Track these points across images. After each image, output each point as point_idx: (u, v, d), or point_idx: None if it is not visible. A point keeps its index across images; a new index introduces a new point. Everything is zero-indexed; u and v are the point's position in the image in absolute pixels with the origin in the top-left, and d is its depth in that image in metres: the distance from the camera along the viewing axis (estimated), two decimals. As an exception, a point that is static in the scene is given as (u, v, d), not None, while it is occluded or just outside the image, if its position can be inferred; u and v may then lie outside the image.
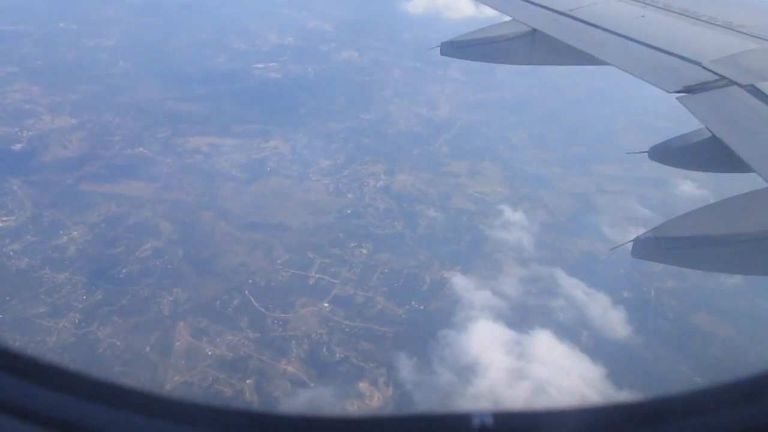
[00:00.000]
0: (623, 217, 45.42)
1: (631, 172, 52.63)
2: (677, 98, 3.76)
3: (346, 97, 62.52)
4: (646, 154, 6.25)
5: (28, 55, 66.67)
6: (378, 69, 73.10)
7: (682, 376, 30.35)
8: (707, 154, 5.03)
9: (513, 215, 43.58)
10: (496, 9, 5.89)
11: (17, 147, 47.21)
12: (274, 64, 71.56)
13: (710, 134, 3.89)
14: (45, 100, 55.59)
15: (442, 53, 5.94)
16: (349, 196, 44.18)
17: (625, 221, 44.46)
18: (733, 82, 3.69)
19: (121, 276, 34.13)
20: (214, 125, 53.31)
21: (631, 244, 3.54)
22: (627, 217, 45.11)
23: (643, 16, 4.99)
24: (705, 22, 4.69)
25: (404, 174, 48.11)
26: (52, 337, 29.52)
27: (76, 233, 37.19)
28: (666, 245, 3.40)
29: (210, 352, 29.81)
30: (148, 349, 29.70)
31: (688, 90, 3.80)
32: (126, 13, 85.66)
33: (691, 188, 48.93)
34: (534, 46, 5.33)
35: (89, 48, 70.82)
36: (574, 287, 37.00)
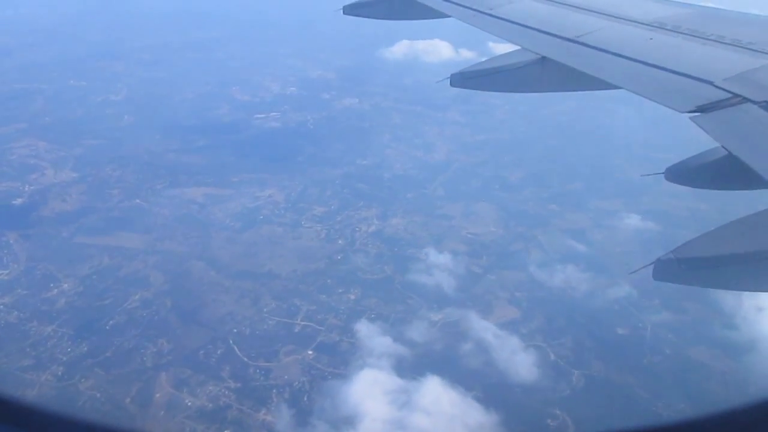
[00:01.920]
0: (620, 251, 44.90)
1: (630, 207, 52.36)
2: (690, 118, 3.78)
3: (343, 144, 63.30)
4: (663, 175, 6.26)
5: (37, 112, 68.82)
6: (377, 115, 74.15)
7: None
8: (724, 172, 5.08)
9: (502, 255, 43.34)
10: (503, 39, 6.09)
11: (18, 201, 48.34)
12: (275, 113, 72.96)
13: (726, 153, 3.84)
14: (49, 155, 57.11)
15: (453, 85, 6.11)
16: (340, 242, 44.31)
17: (623, 255, 44.03)
18: (746, 99, 3.74)
19: (107, 327, 34.35)
20: (211, 176, 54.17)
21: (652, 266, 3.56)
22: (624, 252, 44.57)
23: (651, 39, 5.09)
24: (713, 41, 4.75)
25: (397, 218, 48.23)
26: (33, 390, 29.59)
27: (66, 286, 37.68)
28: (688, 266, 3.43)
29: (189, 403, 29.66)
30: (128, 401, 29.66)
31: (701, 109, 3.82)
32: (135, 68, 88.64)
33: (687, 218, 48.44)
34: (544, 74, 5.46)
35: (97, 103, 72.86)
36: (565, 323, 36.54)
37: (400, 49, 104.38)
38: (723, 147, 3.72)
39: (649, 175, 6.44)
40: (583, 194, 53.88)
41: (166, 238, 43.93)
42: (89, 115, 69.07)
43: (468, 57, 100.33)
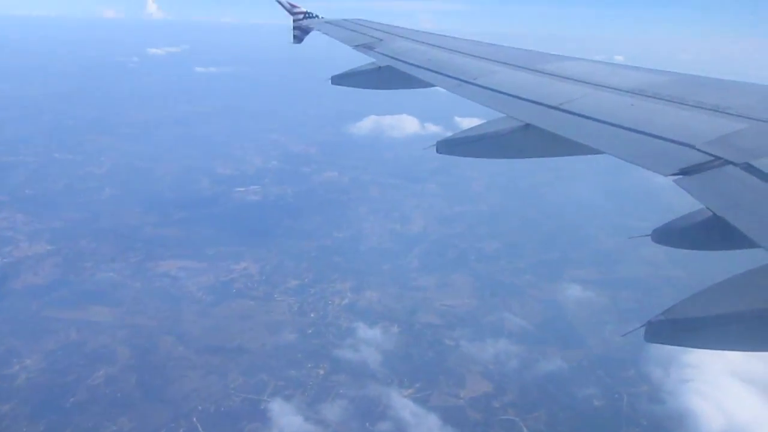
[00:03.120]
0: (597, 321, 44.81)
1: (606, 275, 52.65)
2: (674, 181, 3.85)
3: (321, 217, 63.91)
4: (649, 237, 6.43)
5: (19, 185, 69.38)
6: (356, 188, 75.33)
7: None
8: (710, 233, 5.22)
9: (478, 326, 43.13)
10: (488, 107, 6.30)
11: (-11, 275, 47.96)
12: (255, 187, 73.94)
13: (710, 214, 4.07)
14: (26, 227, 57.17)
15: (438, 151, 6.23)
16: (312, 315, 44.04)
17: (599, 324, 43.99)
18: (727, 162, 3.87)
19: (67, 405, 33.41)
20: (187, 249, 54.21)
21: (644, 329, 3.62)
22: (600, 321, 44.50)
23: (632, 105, 5.25)
24: (692, 106, 4.96)
25: (371, 290, 48.15)
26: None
27: (29, 361, 36.88)
28: (682, 327, 3.44)
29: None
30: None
31: (684, 172, 3.92)
32: (120, 142, 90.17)
33: (663, 285, 48.61)
34: (528, 140, 5.62)
35: (79, 176, 73.64)
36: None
37: (367, 124, 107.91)
38: (708, 208, 3.82)
39: (636, 237, 6.64)
40: (559, 264, 54.26)
41: (136, 312, 43.47)
42: (71, 188, 69.63)
43: (434, 131, 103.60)
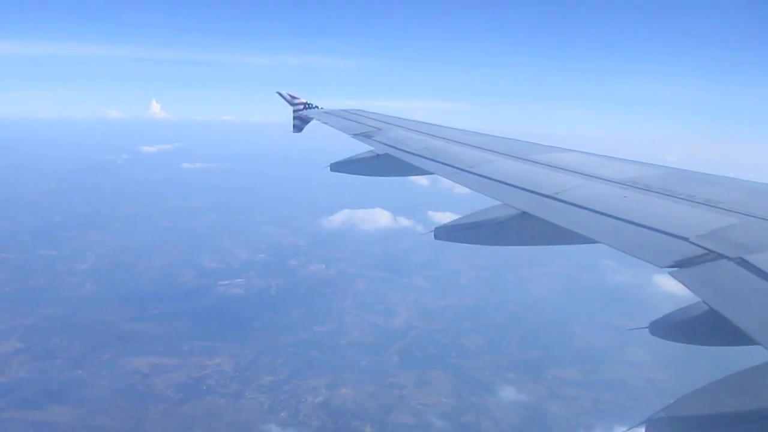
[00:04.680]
0: (577, 424, 43.07)
1: (588, 376, 51.17)
2: (669, 273, 3.82)
3: (303, 310, 62.96)
4: (647, 330, 6.21)
5: (-1, 282, 68.60)
6: (341, 280, 74.69)
7: None
8: (708, 327, 5.08)
9: (453, 428, 41.33)
10: (484, 194, 6.29)
11: (-47, 375, 46.52)
12: (239, 280, 73.32)
13: (708, 308, 3.86)
14: (0, 325, 56.04)
15: (437, 237, 6.22)
16: (283, 414, 42.42)
17: (579, 428, 42.26)
18: (721, 256, 3.86)
19: None
20: (161, 344, 53.01)
21: (644, 426, 3.36)
22: (581, 425, 42.75)
23: (626, 197, 5.31)
24: (684, 199, 5.01)
25: (347, 387, 46.64)
26: None
27: (-21, 467, 35.13)
28: (682, 425, 3.31)
29: None
30: None
31: (679, 264, 3.90)
32: (107, 237, 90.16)
33: (644, 387, 47.11)
34: (524, 227, 5.63)
35: (62, 272, 73.11)
36: None
37: (339, 217, 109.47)
38: (704, 302, 3.67)
39: (633, 329, 6.48)
40: (542, 362, 52.85)
41: (99, 411, 41.86)
42: (51, 284, 68.92)
43: (406, 225, 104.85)
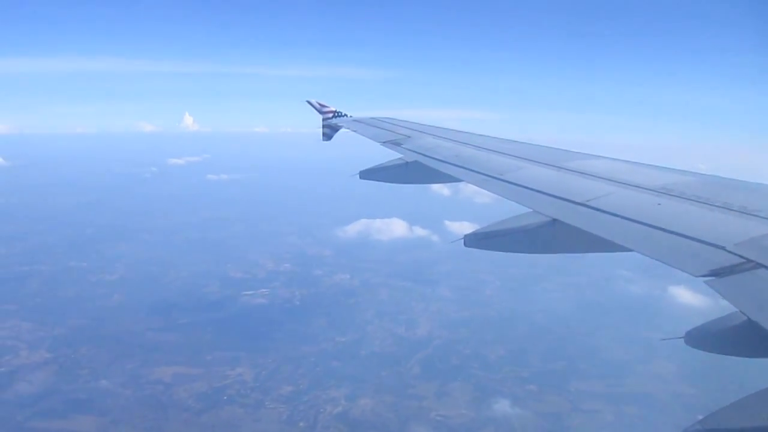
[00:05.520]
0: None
1: (612, 388, 50.06)
2: (705, 282, 3.77)
3: (326, 320, 63.09)
4: (682, 340, 6.22)
5: (31, 294, 70.20)
6: (365, 290, 74.60)
7: None
8: (745, 338, 5.03)
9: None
10: (514, 201, 6.37)
11: (-17, 385, 47.72)
12: (264, 290, 73.86)
13: (745, 318, 3.87)
14: (29, 335, 57.39)
15: (467, 245, 6.30)
16: (301, 424, 42.45)
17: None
18: (760, 265, 3.80)
19: None
20: (184, 354, 53.60)
21: None
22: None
23: (659, 204, 5.25)
24: (720, 207, 4.91)
25: (366, 398, 46.47)
26: None
27: (3, 475, 35.92)
28: None
29: None
30: None
31: (715, 273, 3.82)
32: (136, 249, 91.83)
33: (670, 402, 45.89)
34: (555, 235, 5.64)
35: (91, 283, 74.62)
36: None
37: (362, 227, 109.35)
38: (741, 312, 3.61)
39: (668, 339, 6.40)
40: (565, 374, 51.90)
41: (121, 421, 42.44)
42: (80, 295, 70.32)
43: (422, 234, 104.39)
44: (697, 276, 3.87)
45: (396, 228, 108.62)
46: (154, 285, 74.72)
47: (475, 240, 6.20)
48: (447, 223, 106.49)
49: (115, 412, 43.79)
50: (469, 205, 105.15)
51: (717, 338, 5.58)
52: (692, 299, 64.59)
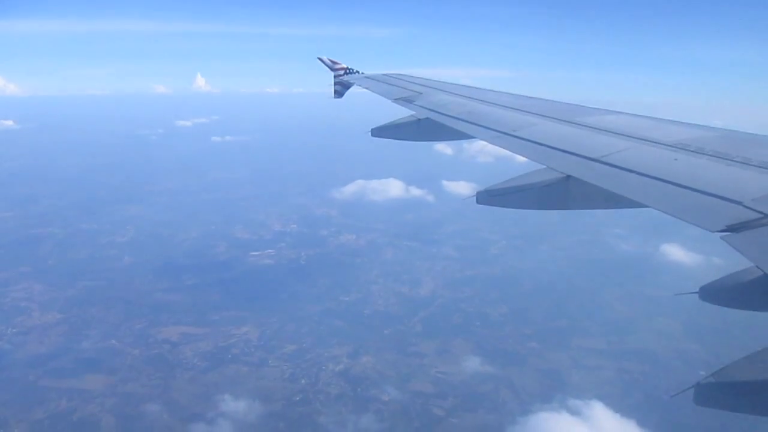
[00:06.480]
0: (595, 394, 42.63)
1: (614, 345, 50.47)
2: (721, 237, 3.76)
3: (330, 280, 63.73)
4: (697, 295, 6.32)
5: (44, 256, 71.54)
6: (370, 250, 75.14)
7: None
8: (762, 293, 5.14)
9: (471, 396, 41.59)
10: (528, 158, 6.40)
11: (-4, 345, 49.20)
12: (270, 251, 74.64)
13: (761, 273, 3.89)
14: (41, 297, 58.72)
15: (479, 202, 6.29)
16: (303, 381, 43.39)
17: (594, 398, 41.82)
18: None
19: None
20: (192, 314, 54.65)
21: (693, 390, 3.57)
22: (598, 396, 42.29)
23: (676, 159, 5.18)
24: (739, 162, 4.85)
25: (368, 356, 47.30)
26: None
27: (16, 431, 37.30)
28: (732, 390, 3.39)
29: None
30: None
31: (732, 229, 3.81)
32: (147, 211, 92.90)
33: (674, 359, 46.32)
34: (569, 191, 5.57)
35: (102, 245, 75.82)
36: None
37: (349, 189, 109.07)
38: (758, 267, 3.60)
39: (681, 294, 6.41)
40: (567, 332, 52.30)
41: (129, 379, 43.69)
42: (92, 256, 71.58)
43: (418, 194, 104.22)
44: (712, 231, 3.84)
45: (392, 188, 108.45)
46: (163, 246, 75.73)
47: (487, 197, 6.11)
48: (445, 183, 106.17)
49: (124, 371, 45.03)
50: (471, 165, 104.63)
51: (732, 293, 5.52)
52: (684, 257, 64.57)
